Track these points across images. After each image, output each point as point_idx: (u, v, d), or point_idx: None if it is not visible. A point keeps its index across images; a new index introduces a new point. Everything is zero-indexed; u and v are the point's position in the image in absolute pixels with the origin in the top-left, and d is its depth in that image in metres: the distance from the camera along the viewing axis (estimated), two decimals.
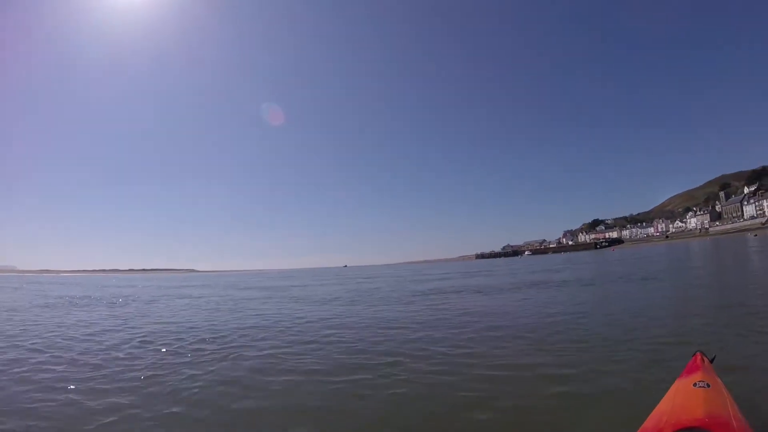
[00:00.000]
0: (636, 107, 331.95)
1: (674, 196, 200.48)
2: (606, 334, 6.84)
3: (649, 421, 2.66)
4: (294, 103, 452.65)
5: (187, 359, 6.53)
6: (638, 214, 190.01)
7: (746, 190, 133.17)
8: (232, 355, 6.67)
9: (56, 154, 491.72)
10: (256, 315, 12.26)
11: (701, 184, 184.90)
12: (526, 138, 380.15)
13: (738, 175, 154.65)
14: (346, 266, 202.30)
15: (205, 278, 66.04)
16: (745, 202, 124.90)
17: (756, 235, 69.05)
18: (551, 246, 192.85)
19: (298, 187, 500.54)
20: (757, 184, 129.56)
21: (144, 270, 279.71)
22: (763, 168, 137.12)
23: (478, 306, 12.27)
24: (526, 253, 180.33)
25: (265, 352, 6.88)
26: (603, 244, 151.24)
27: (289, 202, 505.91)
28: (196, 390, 4.91)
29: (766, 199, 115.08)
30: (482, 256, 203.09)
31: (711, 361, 3.66)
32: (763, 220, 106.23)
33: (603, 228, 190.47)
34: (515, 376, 4.90)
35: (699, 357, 3.62)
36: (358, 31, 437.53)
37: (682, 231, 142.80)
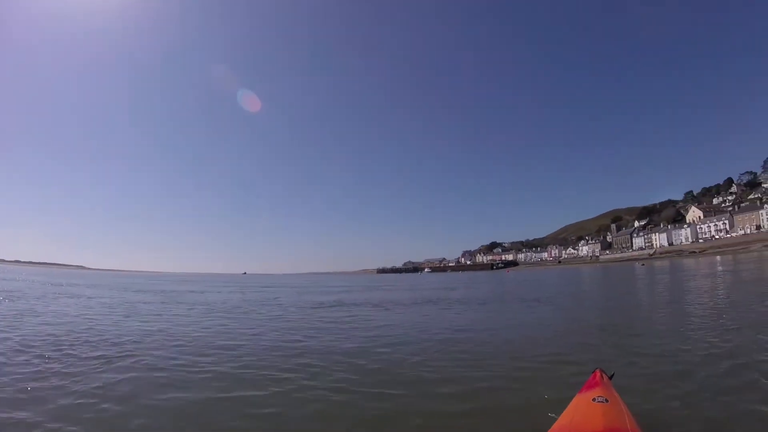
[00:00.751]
0: (536, 140, 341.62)
1: (568, 225, 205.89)
2: (503, 352, 6.98)
3: None
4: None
5: (76, 370, 5.95)
6: (534, 239, 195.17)
7: (636, 223, 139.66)
8: (123, 369, 6.07)
9: None
10: (152, 322, 11.46)
11: (594, 216, 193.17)
12: (431, 160, 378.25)
13: (629, 210, 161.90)
14: (245, 273, 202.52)
15: (96, 277, 66.66)
16: (635, 235, 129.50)
17: (643, 265, 69.19)
18: (450, 264, 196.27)
19: (196, 187, 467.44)
20: (647, 219, 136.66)
21: (31, 262, 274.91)
22: (654, 205, 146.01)
23: (378, 321, 12.02)
24: (426, 270, 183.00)
25: (160, 367, 6.19)
26: (499, 265, 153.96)
27: (186, 202, 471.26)
28: (87, 405, 4.55)
29: (654, 233, 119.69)
30: (383, 270, 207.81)
31: (610, 378, 3.95)
32: (651, 251, 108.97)
33: (500, 250, 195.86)
34: (414, 392, 4.93)
35: (598, 374, 3.88)
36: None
37: (575, 257, 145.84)
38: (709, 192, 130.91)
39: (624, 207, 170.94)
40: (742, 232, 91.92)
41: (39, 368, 6.00)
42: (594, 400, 3.16)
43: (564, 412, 3.18)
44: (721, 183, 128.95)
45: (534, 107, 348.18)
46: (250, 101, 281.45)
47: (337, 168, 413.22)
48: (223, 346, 7.78)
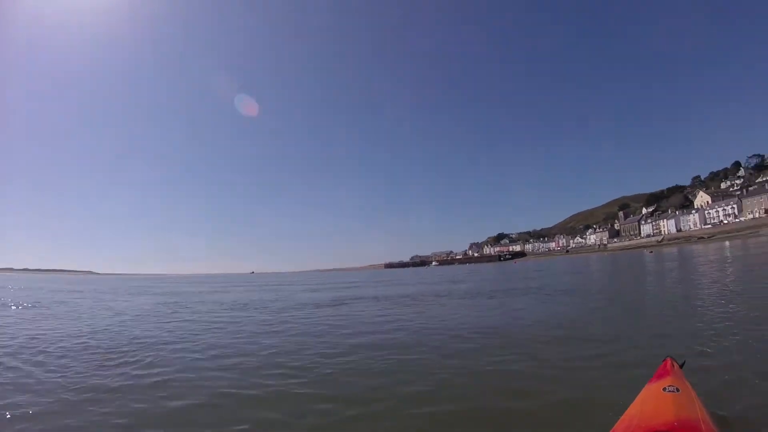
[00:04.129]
0: (541, 129, 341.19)
1: (575, 214, 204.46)
2: (563, 342, 6.87)
3: (619, 425, 2.73)
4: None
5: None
6: (541, 229, 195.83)
7: (644, 210, 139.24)
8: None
9: None
10: (181, 321, 11.93)
11: (602, 204, 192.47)
12: (439, 153, 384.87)
13: (637, 197, 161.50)
14: (253, 273, 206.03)
15: (106, 282, 65.12)
16: (643, 222, 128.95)
17: (652, 252, 69.78)
18: (458, 257, 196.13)
19: (203, 188, 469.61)
20: (655, 206, 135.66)
21: (39, 270, 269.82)
22: (661, 191, 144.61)
23: (400, 316, 11.63)
24: (434, 263, 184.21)
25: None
26: (507, 256, 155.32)
27: (190, 203, 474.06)
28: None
29: (662, 219, 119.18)
30: (391, 265, 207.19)
31: (681, 367, 3.74)
32: (659, 238, 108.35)
33: (507, 241, 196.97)
34: (473, 386, 4.88)
35: (669, 362, 3.71)
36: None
37: (582, 246, 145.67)
38: (717, 176, 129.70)
39: (631, 194, 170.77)
40: (751, 216, 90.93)
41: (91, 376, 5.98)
42: (665, 389, 3.04)
43: (634, 401, 3.07)
44: (729, 167, 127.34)
45: (537, 96, 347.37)
46: (246, 106, 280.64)
47: (344, 163, 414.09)
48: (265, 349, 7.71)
